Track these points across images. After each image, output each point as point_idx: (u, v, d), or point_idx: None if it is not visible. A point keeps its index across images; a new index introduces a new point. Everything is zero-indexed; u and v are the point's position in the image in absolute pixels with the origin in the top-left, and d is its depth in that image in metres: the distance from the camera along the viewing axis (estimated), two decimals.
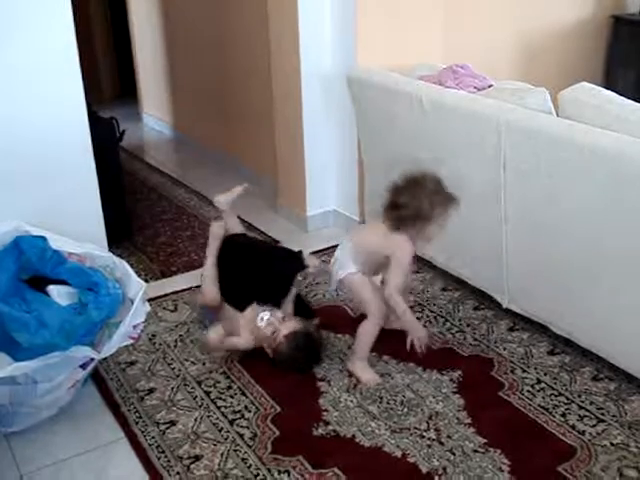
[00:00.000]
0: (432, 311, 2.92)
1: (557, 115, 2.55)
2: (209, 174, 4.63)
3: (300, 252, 2.87)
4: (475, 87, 2.86)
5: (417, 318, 2.85)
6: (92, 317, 2.12)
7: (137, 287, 2.27)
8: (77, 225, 2.94)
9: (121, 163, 3.62)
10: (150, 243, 3.62)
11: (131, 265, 2.47)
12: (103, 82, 6.67)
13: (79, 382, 2.28)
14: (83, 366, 2.20)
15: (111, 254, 2.44)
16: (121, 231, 3.55)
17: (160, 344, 2.75)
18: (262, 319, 2.54)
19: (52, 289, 2.24)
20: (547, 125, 2.43)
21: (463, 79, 2.91)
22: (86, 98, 2.95)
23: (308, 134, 3.56)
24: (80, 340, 2.11)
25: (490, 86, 2.89)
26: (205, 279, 2.82)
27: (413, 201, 2.35)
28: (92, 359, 2.20)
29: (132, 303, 2.27)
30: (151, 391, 2.48)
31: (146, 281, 3.21)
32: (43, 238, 2.28)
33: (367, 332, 2.50)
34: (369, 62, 3.26)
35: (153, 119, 5.85)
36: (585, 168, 2.30)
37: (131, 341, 2.29)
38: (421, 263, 3.26)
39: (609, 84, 4.46)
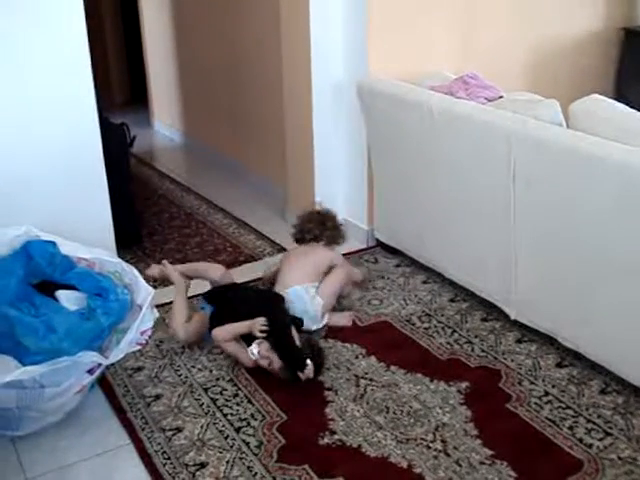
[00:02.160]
0: (440, 322, 2.91)
1: (568, 127, 2.55)
2: (219, 181, 4.64)
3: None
4: (486, 98, 2.86)
5: (425, 328, 2.87)
6: (100, 323, 2.12)
7: (145, 293, 2.28)
8: (86, 230, 2.96)
9: (131, 169, 3.63)
10: (159, 249, 3.63)
11: (139, 271, 2.47)
12: (114, 88, 6.71)
13: (86, 387, 2.28)
14: (90, 371, 2.20)
15: (120, 260, 2.45)
16: (130, 237, 3.56)
17: (167, 350, 2.75)
18: (253, 354, 2.51)
19: (61, 294, 2.24)
20: (558, 137, 2.43)
21: (474, 90, 2.91)
22: (97, 103, 2.97)
23: (318, 142, 3.56)
24: (88, 345, 2.12)
25: (501, 97, 2.90)
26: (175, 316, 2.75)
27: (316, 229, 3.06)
28: (99, 364, 2.20)
29: (140, 309, 2.28)
30: (158, 397, 2.48)
31: (154, 287, 3.21)
32: (53, 243, 2.29)
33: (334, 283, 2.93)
34: (380, 72, 3.26)
35: (163, 125, 5.87)
36: (596, 180, 2.30)
37: (139, 347, 2.30)
38: (430, 273, 3.26)
39: (620, 97, 4.44)
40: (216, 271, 2.97)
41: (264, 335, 2.52)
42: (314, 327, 2.84)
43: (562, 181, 2.42)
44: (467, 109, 2.75)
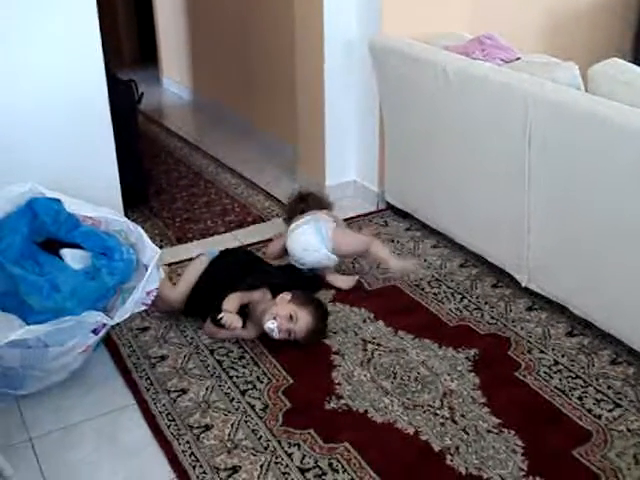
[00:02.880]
0: (449, 287, 2.87)
1: (586, 91, 2.47)
2: (228, 140, 4.58)
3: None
4: (502, 59, 2.78)
5: (434, 293, 2.83)
6: (105, 282, 2.09)
7: (151, 253, 2.24)
8: (93, 188, 2.91)
9: (139, 126, 3.57)
10: (166, 208, 3.59)
11: (146, 230, 2.43)
12: (124, 45, 6.61)
13: (91, 347, 2.26)
14: (95, 331, 2.18)
15: (126, 219, 2.40)
16: (137, 195, 3.51)
17: (174, 311, 2.72)
18: (273, 331, 2.43)
19: (66, 252, 2.21)
20: (576, 100, 2.36)
21: (490, 50, 2.83)
22: (105, 60, 2.90)
23: (329, 100, 3.48)
24: (92, 305, 2.09)
25: (517, 59, 2.81)
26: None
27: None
28: (104, 324, 2.18)
29: (146, 269, 2.25)
30: (163, 358, 2.46)
31: (161, 247, 3.18)
32: (58, 200, 2.25)
33: (383, 249, 2.85)
34: (394, 29, 3.18)
35: (173, 83, 5.79)
36: (613, 145, 2.24)
37: (144, 307, 2.26)
38: (440, 237, 3.21)
39: (637, 60, 4.34)
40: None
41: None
42: (328, 262, 2.82)
43: (579, 146, 2.35)
44: (483, 70, 2.67)
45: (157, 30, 5.82)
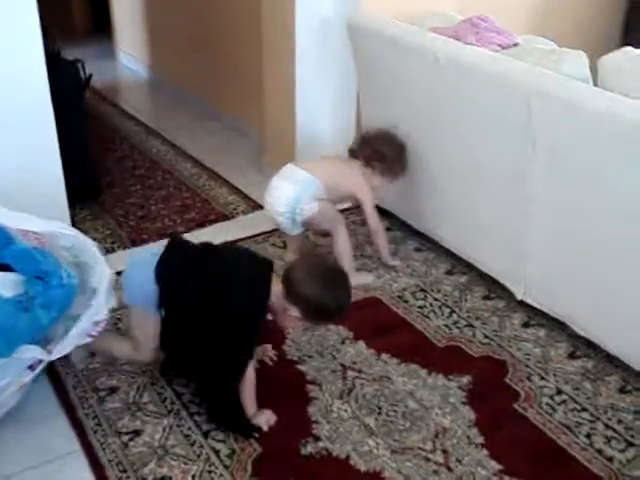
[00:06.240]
0: (436, 299, 2.58)
1: (595, 84, 2.19)
2: (188, 123, 4.22)
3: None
4: (499, 44, 2.48)
5: (419, 307, 2.54)
6: (39, 319, 1.75)
7: (102, 274, 1.90)
8: (32, 183, 2.59)
9: (87, 111, 3.20)
10: (119, 204, 3.23)
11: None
12: (76, 17, 6.14)
13: (27, 384, 1.92)
14: (32, 367, 1.85)
15: (77, 232, 2.02)
16: (86, 189, 3.16)
17: (126, 328, 2.39)
18: None
19: None
20: (587, 96, 2.06)
21: (485, 34, 2.52)
22: (47, 37, 2.54)
23: (301, 85, 3.15)
24: (25, 342, 1.75)
25: (515, 44, 2.51)
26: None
27: (386, 148, 2.64)
28: (41, 360, 1.85)
29: (95, 293, 1.91)
30: (113, 390, 2.14)
31: (113, 250, 2.86)
32: None
33: (345, 248, 2.65)
34: (375, 8, 2.85)
35: (129, 57, 5.36)
36: (629, 148, 1.95)
37: (89, 339, 1.94)
38: (423, 239, 2.92)
39: (628, 44, 4.07)
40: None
41: None
42: (292, 230, 2.67)
43: (589, 148, 2.07)
44: (478, 58, 2.36)
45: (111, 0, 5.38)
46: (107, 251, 2.82)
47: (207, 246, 2.11)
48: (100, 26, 5.89)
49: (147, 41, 5.01)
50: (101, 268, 1.93)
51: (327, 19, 3.01)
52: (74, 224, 2.87)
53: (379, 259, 2.80)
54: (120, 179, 3.49)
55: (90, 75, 3.07)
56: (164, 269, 1.96)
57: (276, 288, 1.95)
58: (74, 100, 2.98)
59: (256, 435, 1.97)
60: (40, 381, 2.14)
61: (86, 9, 6.16)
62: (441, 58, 2.42)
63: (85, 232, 2.91)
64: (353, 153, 2.71)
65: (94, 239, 2.86)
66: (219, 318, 1.91)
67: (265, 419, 2.01)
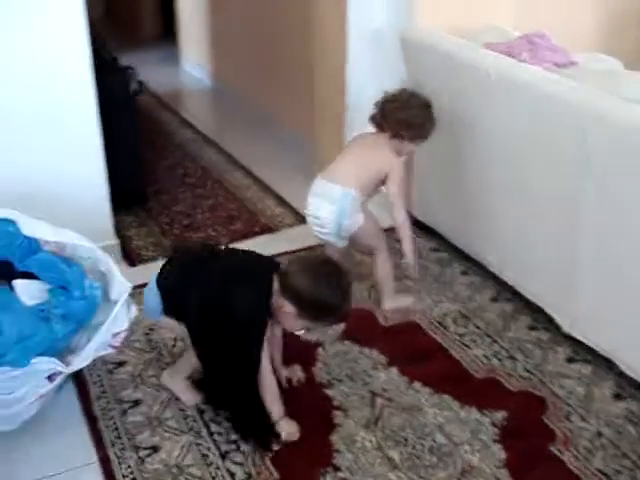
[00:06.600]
0: (478, 327, 2.47)
1: None
2: (244, 133, 4.20)
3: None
4: (555, 63, 2.36)
5: (460, 334, 2.43)
6: (56, 331, 1.72)
7: (121, 288, 1.88)
8: (77, 189, 2.61)
9: (138, 118, 3.20)
10: (166, 212, 3.22)
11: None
12: (145, 22, 6.21)
13: (46, 395, 1.91)
14: (50, 378, 1.83)
15: (95, 246, 2.00)
16: (134, 195, 3.17)
17: (157, 342, 2.37)
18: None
19: (17, 284, 1.85)
20: None
21: (539, 52, 2.40)
22: (99, 44, 2.56)
23: (352, 98, 3.08)
24: (42, 353, 1.74)
25: (573, 63, 2.38)
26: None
27: (411, 112, 2.45)
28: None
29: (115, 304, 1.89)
30: (137, 404, 2.11)
31: (154, 259, 2.84)
32: (12, 222, 1.89)
33: (387, 272, 2.55)
34: (428, 21, 2.77)
35: (192, 65, 5.40)
36: None
37: (112, 350, 1.92)
38: (470, 263, 2.81)
39: None
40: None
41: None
42: (338, 242, 2.53)
43: None
44: (531, 76, 2.24)
45: (177, 7, 5.42)
46: (148, 259, 2.82)
47: (211, 249, 2.12)
48: (170, 32, 5.95)
49: (210, 49, 5.04)
50: (120, 281, 1.90)
51: (380, 30, 2.93)
52: (118, 230, 2.88)
53: (421, 281, 2.69)
54: (169, 186, 3.49)
55: (141, 83, 3.08)
56: (164, 278, 1.98)
57: (276, 287, 1.91)
58: (124, 107, 2.99)
59: (274, 447, 1.93)
60: (66, 390, 2.13)
61: (156, 15, 6.23)
62: (492, 74, 2.32)
63: (129, 239, 2.95)
64: (376, 121, 2.52)
65: (137, 246, 2.92)
66: (221, 319, 1.88)
67: (288, 430, 1.96)
